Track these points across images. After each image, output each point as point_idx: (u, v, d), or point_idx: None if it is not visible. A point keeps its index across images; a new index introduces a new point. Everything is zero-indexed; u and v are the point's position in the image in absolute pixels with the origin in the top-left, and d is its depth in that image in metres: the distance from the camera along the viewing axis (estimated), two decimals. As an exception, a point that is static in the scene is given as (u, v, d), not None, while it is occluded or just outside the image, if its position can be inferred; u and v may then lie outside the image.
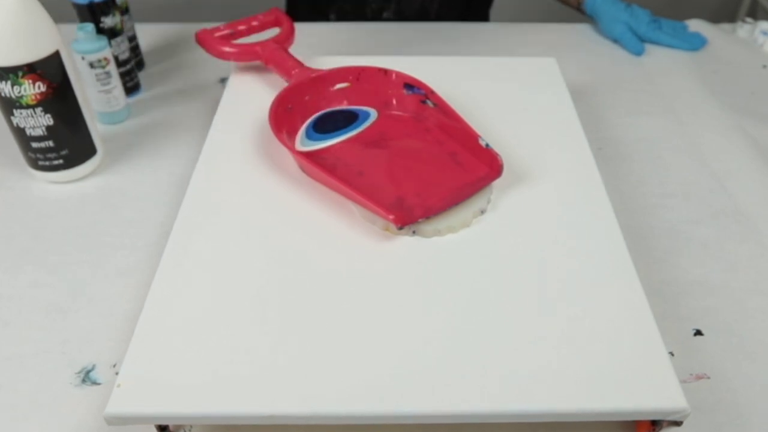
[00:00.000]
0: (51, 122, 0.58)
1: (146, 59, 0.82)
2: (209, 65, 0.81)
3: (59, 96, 0.57)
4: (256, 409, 0.38)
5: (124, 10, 0.74)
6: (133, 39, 0.77)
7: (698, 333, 0.50)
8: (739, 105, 0.76)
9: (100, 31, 0.69)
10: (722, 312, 0.51)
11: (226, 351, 0.41)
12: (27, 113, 0.56)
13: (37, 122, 0.57)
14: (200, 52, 0.76)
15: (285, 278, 0.46)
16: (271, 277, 0.46)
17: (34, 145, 0.59)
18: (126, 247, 0.56)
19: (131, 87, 0.75)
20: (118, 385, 0.39)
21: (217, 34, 0.69)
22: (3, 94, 0.55)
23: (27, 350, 0.48)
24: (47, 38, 0.55)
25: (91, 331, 0.49)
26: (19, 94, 0.55)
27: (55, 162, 0.60)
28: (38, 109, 0.56)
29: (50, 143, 0.59)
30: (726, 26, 0.93)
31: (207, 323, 0.43)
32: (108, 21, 0.70)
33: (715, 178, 0.65)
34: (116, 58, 0.72)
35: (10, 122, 0.58)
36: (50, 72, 0.56)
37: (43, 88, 0.56)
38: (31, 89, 0.55)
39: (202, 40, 0.68)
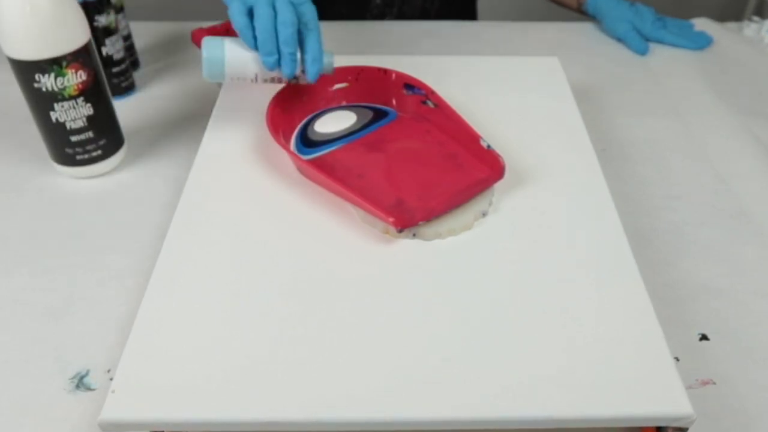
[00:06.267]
0: (91, 112, 0.58)
1: (141, 59, 0.81)
2: (207, 65, 0.80)
3: (96, 84, 0.57)
4: (254, 416, 0.38)
5: (119, 9, 0.74)
6: (128, 38, 0.76)
7: (704, 338, 0.49)
8: (746, 105, 0.75)
9: (94, 30, 0.68)
10: (728, 316, 0.51)
11: (223, 356, 0.41)
12: (69, 105, 0.56)
13: (78, 113, 0.57)
14: (196, 52, 0.75)
15: (283, 282, 0.45)
16: (269, 281, 0.45)
17: (74, 138, 0.58)
18: (121, 250, 0.55)
19: (126, 87, 0.74)
20: (113, 391, 0.39)
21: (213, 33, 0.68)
22: (44, 89, 0.55)
23: (20, 355, 0.47)
24: (82, 26, 0.55)
25: (85, 336, 0.49)
26: (62, 86, 0.55)
27: (94, 153, 0.60)
28: (80, 100, 0.56)
29: (90, 134, 0.59)
30: (732, 25, 0.93)
31: (203, 328, 0.42)
32: (102, 20, 0.69)
33: (721, 179, 0.64)
34: (111, 58, 0.71)
35: (47, 119, 0.57)
36: (88, 59, 0.56)
37: (84, 77, 0.56)
38: (74, 79, 0.55)
39: (197, 38, 0.67)
